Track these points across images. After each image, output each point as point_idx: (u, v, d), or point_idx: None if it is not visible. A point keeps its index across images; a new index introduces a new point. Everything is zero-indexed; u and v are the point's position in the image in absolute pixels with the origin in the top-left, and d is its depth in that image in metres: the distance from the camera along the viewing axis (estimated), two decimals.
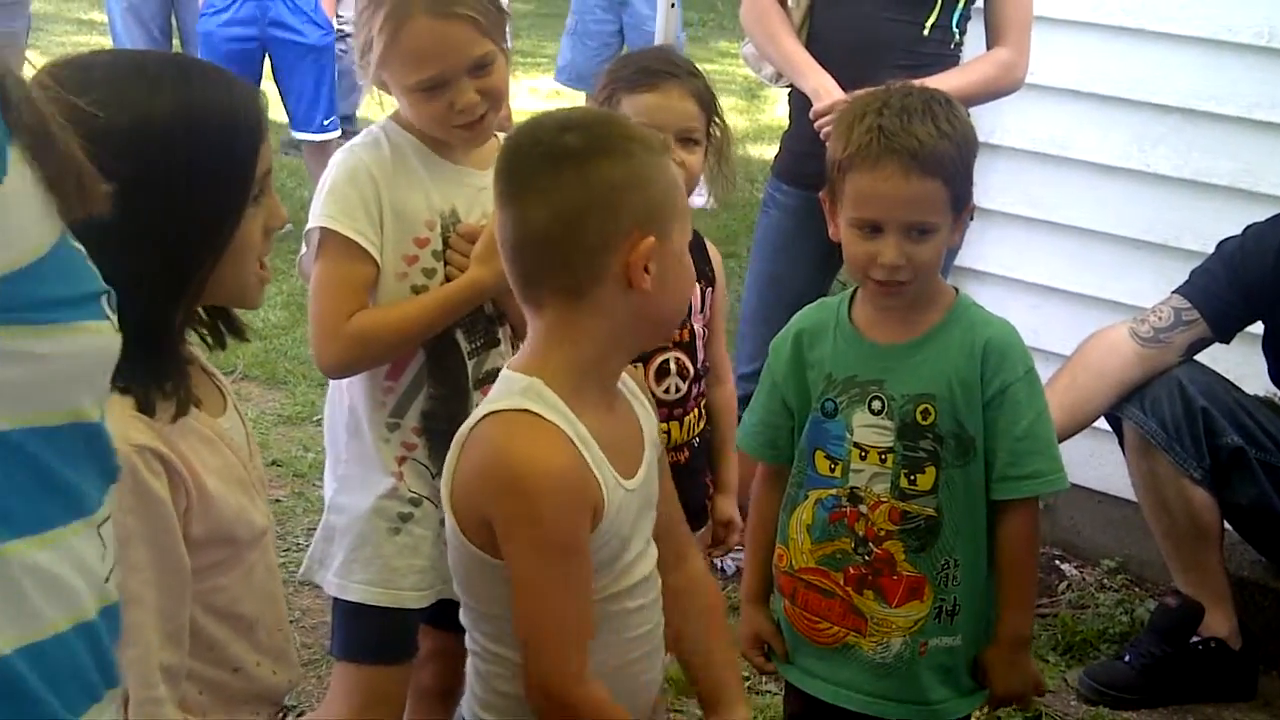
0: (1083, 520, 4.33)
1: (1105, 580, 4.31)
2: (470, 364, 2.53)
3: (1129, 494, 3.92)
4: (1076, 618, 4.02)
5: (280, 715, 2.02)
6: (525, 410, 1.79)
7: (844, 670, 2.40)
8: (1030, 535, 2.38)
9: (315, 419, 5.16)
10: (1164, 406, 3.65)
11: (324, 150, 7.11)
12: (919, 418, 2.31)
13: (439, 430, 2.47)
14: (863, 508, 2.35)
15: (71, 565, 1.22)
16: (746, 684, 3.64)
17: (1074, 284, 4.39)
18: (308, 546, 4.12)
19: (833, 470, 2.37)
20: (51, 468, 1.21)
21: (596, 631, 1.84)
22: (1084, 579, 4.31)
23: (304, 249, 2.52)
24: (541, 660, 1.80)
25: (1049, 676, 3.73)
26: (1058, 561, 4.43)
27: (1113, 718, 3.57)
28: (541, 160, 1.81)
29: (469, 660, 1.97)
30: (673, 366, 2.85)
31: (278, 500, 4.50)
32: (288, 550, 4.20)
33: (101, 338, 1.25)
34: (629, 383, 1.97)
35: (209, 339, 1.90)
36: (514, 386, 1.84)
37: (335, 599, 2.61)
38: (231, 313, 1.92)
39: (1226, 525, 3.81)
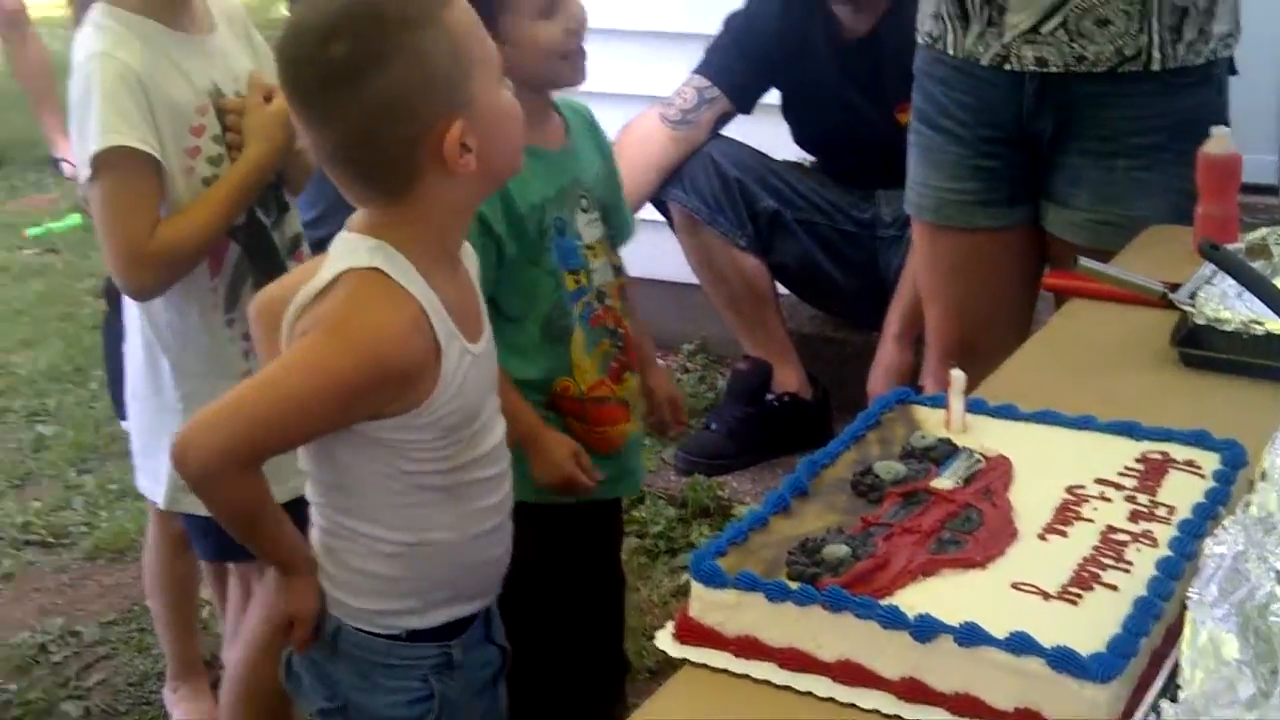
0: (657, 311, 4.48)
1: (687, 363, 4.55)
2: (275, 236, 2.47)
3: (695, 279, 4.13)
4: None
5: None
6: (376, 269, 1.72)
7: (627, 461, 2.52)
8: None
9: None
10: (702, 182, 3.87)
11: None
12: (606, 197, 2.49)
13: None
14: (607, 300, 2.44)
15: None
16: None
17: (607, 84, 4.52)
18: None
19: (578, 281, 2.42)
20: None
21: (447, 503, 1.83)
22: (668, 365, 4.53)
23: (81, 175, 2.31)
24: (222, 426, 1.72)
25: (645, 458, 3.93)
26: None
27: (709, 483, 3.80)
28: (316, 83, 1.72)
29: (315, 536, 1.89)
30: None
31: None
32: None
33: None
34: (467, 246, 1.91)
35: None
36: (360, 246, 1.75)
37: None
38: None
39: (782, 289, 4.08)
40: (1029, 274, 2.91)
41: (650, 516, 3.67)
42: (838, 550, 1.49)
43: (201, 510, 2.35)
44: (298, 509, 1.97)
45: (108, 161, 2.24)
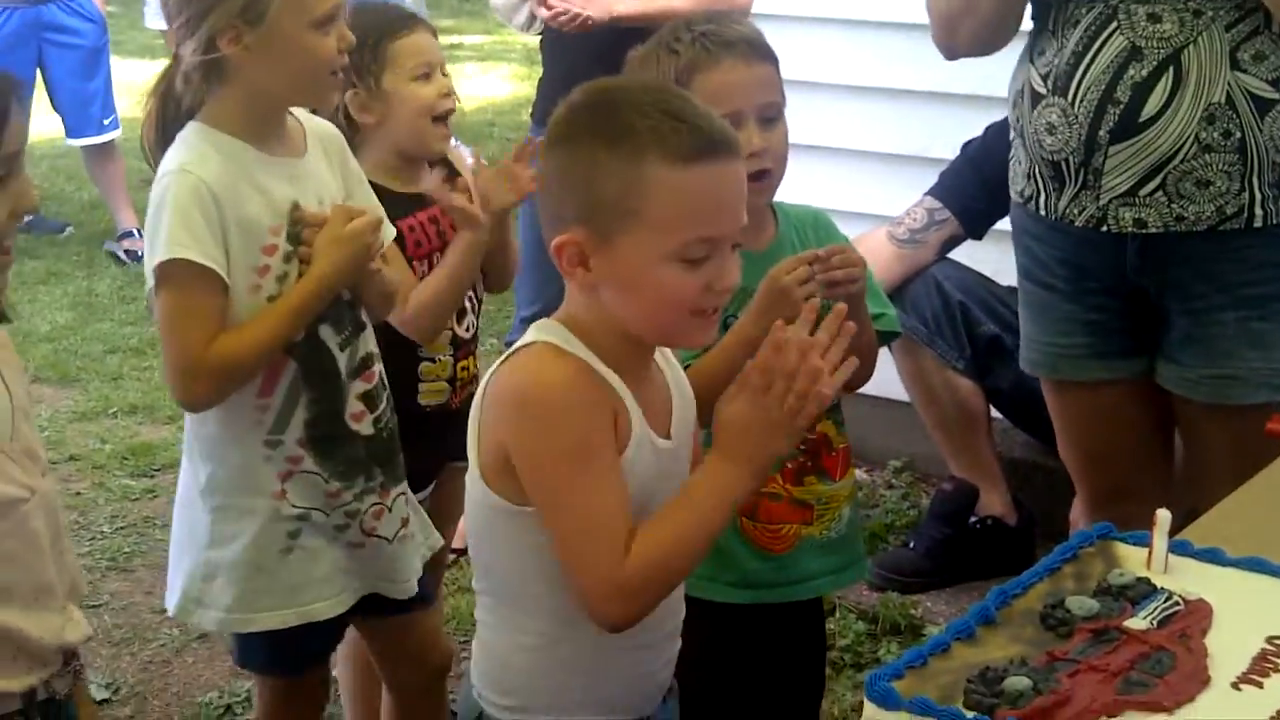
0: (867, 426, 4.46)
1: (892, 480, 4.50)
2: (343, 356, 2.44)
3: (907, 397, 4.10)
4: (865, 515, 4.19)
5: (67, 669, 1.99)
6: (541, 342, 1.78)
7: (796, 566, 2.42)
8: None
9: (110, 412, 5.18)
10: (924, 303, 3.84)
11: (107, 152, 6.95)
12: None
13: (326, 435, 2.43)
14: None
15: None
16: None
17: (837, 203, 4.54)
18: (113, 535, 4.24)
19: None
20: None
21: None
22: (873, 481, 4.49)
23: (149, 284, 2.34)
24: (583, 574, 1.72)
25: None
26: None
27: (902, 601, 3.74)
28: (549, 128, 1.84)
29: (478, 633, 1.92)
30: (467, 304, 2.91)
31: (78, 493, 4.55)
32: (93, 539, 4.28)
33: None
34: (672, 360, 1.94)
35: None
36: (540, 327, 1.82)
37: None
38: None
39: (995, 413, 4.02)
40: (1159, 416, 2.85)
41: (839, 629, 3.62)
42: (1019, 682, 1.46)
43: (211, 626, 2.53)
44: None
45: (170, 273, 2.28)
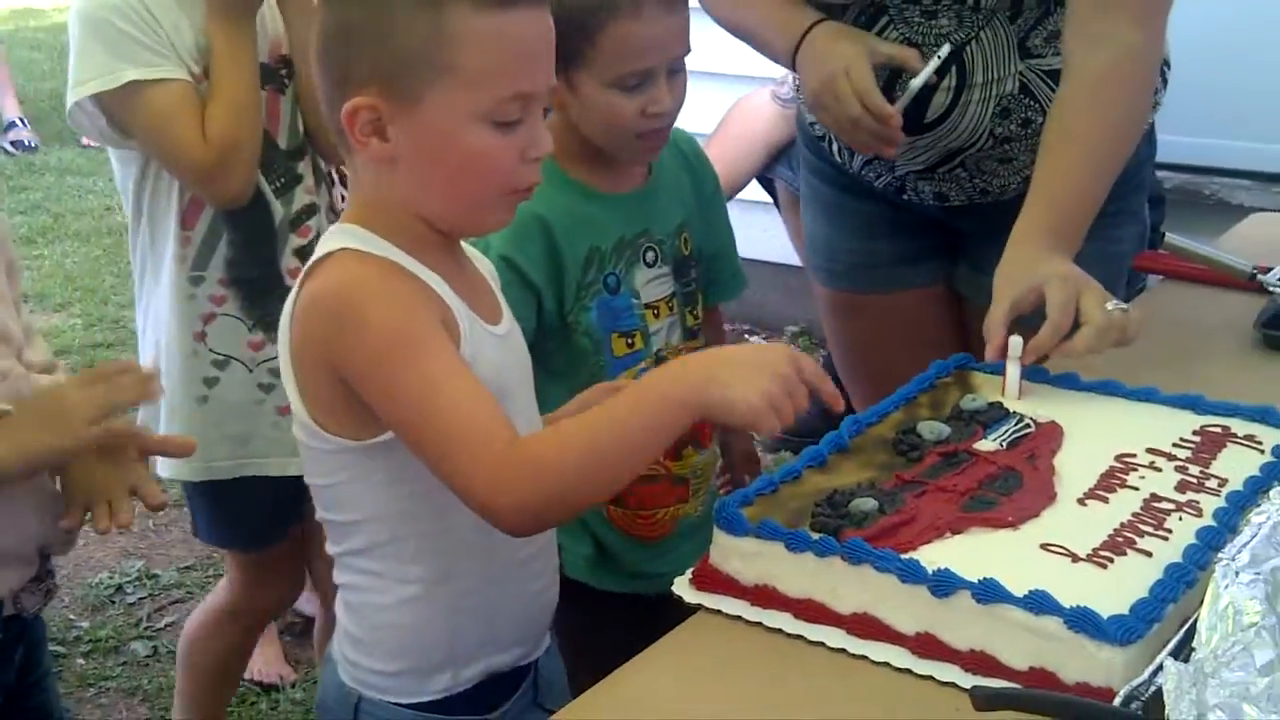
0: (763, 293, 4.48)
1: (790, 344, 4.49)
2: (278, 203, 2.33)
3: (800, 261, 4.08)
4: None
5: (40, 585, 1.79)
6: (341, 250, 1.52)
7: (672, 552, 2.07)
8: None
9: None
10: None
11: None
12: (682, 248, 2.10)
13: (249, 279, 2.33)
14: None
15: None
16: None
17: (721, 66, 4.47)
18: None
19: (631, 345, 2.05)
20: None
21: (473, 523, 1.48)
22: None
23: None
24: (461, 454, 1.43)
25: None
26: (746, 336, 4.61)
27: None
28: None
29: (340, 599, 1.65)
30: (336, 177, 2.83)
31: None
32: None
33: None
34: (475, 254, 1.70)
35: None
36: (327, 237, 1.58)
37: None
38: None
39: None
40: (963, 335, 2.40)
41: None
42: (864, 504, 1.46)
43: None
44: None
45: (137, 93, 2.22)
